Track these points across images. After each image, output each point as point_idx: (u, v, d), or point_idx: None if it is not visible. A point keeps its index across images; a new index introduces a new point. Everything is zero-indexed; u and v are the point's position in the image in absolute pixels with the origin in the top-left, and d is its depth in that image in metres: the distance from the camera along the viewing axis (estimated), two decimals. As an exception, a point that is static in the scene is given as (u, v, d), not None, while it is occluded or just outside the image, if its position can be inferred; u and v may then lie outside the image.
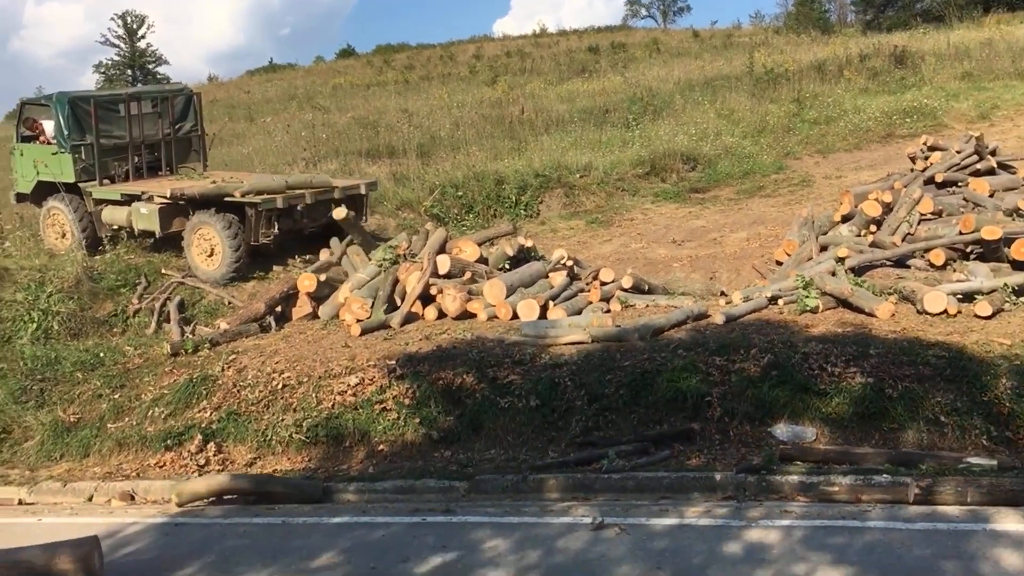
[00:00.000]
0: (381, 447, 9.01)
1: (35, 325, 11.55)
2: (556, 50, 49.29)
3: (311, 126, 22.28)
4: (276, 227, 12.87)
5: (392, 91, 32.44)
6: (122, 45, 70.85)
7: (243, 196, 12.60)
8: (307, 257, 13.26)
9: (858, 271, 10.93)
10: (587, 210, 16.74)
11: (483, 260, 12.52)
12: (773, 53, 28.95)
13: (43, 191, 14.29)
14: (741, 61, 27.76)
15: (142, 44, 71.23)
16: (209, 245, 12.85)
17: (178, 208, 13.09)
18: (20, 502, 8.99)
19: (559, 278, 11.85)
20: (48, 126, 14.12)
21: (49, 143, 14.12)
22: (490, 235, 13.69)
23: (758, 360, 8.64)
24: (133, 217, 13.45)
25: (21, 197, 14.76)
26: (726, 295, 11.59)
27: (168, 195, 12.85)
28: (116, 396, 10.15)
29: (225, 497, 8.24)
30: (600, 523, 6.66)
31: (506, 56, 48.85)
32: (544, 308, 11.00)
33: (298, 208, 13.08)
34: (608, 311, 11.17)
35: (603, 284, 11.85)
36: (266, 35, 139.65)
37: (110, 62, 70.58)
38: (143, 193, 13.40)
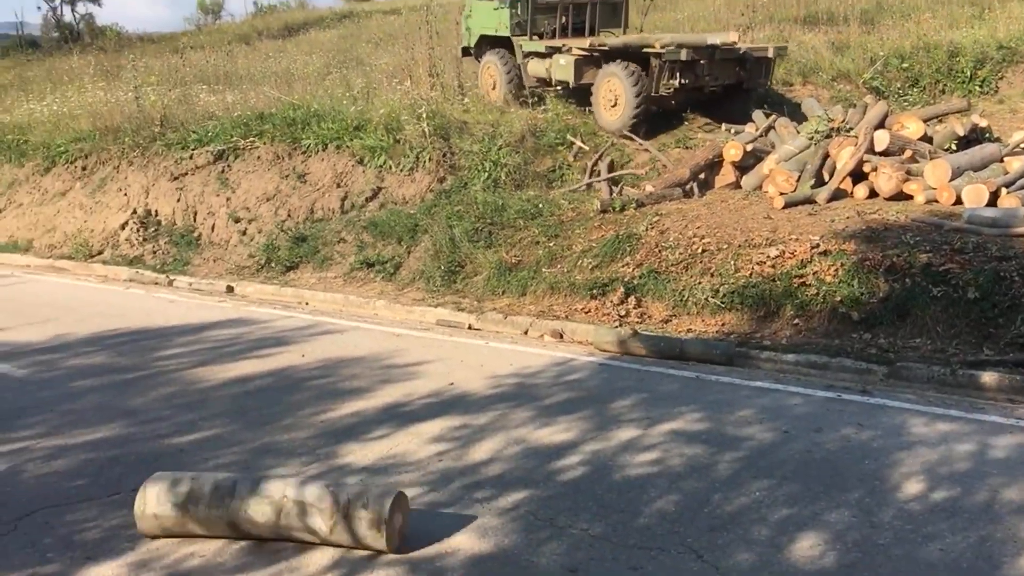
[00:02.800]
0: (796, 321, 8.95)
1: (486, 174, 12.93)
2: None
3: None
4: (678, 80, 13.18)
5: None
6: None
7: (663, 48, 12.98)
8: (706, 124, 13.45)
9: None
10: (1061, 89, 14.50)
11: (927, 139, 11.55)
12: None
13: (483, 47, 15.89)
14: None
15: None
16: (613, 95, 13.58)
17: (592, 60, 13.94)
18: (469, 327, 10.38)
19: (1016, 164, 10.56)
20: None
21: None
22: (938, 111, 12.53)
23: None
24: (552, 68, 14.53)
25: (465, 52, 16.51)
26: None
27: (587, 46, 13.78)
28: (551, 244, 11.12)
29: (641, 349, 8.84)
30: (1041, 429, 6.13)
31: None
32: (994, 195, 9.94)
33: (701, 62, 13.25)
34: (1076, 204, 9.81)
35: (1073, 174, 10.36)
36: None
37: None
38: (563, 46, 14.38)
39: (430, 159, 13.35)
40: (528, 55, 15.03)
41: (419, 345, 9.21)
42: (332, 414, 6.92)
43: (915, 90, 14.71)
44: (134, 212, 14.68)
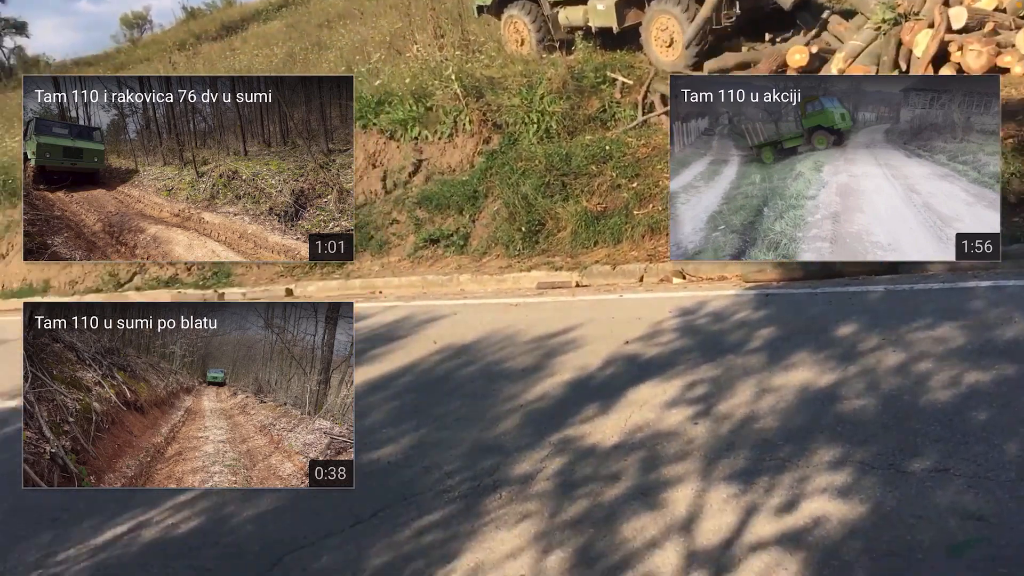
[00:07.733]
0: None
1: (535, 126, 12.03)
2: None
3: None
4: (737, 6, 12.08)
5: None
6: None
7: None
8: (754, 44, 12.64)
9: None
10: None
11: (1001, 9, 10.90)
12: None
13: (502, 2, 14.52)
14: None
15: None
16: (668, 35, 12.45)
17: (634, 0, 12.83)
18: (576, 284, 9.59)
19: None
20: None
21: None
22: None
23: None
24: (589, 15, 13.30)
25: (480, 10, 15.01)
26: None
27: None
28: (634, 185, 10.34)
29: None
30: None
31: None
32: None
33: None
34: None
35: None
36: None
37: None
38: None
39: (469, 121, 12.43)
40: (556, 3, 13.73)
41: (545, 311, 8.40)
42: (522, 399, 6.08)
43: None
44: (154, 232, 13.56)
